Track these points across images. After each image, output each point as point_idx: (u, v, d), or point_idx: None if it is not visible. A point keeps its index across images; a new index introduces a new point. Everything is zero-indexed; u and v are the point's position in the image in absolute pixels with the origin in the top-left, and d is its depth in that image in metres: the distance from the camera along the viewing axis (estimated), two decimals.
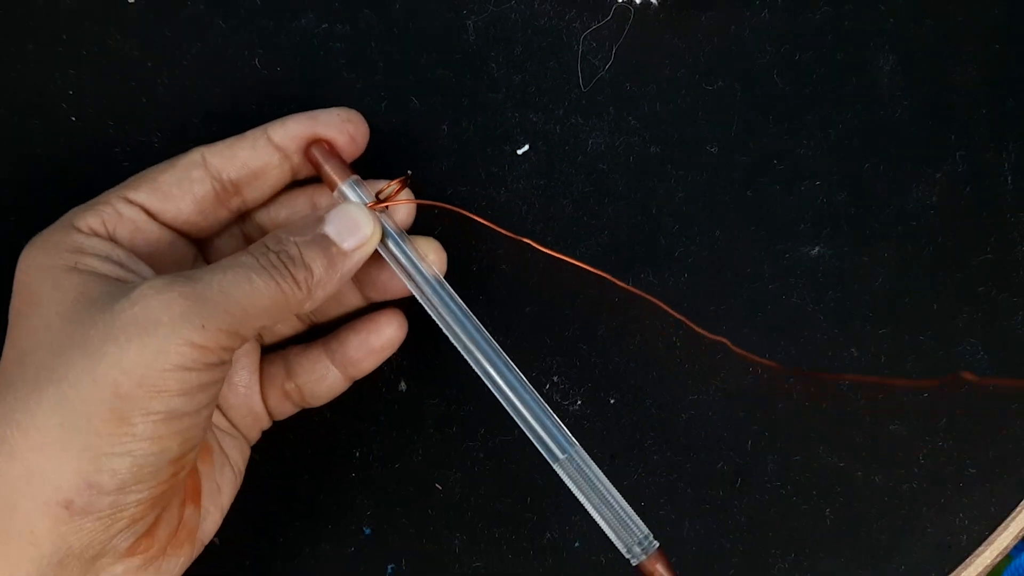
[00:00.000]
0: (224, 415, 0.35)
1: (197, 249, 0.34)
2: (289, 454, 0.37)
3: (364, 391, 0.36)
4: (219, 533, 0.36)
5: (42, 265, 0.30)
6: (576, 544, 0.38)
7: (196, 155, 0.32)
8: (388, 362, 0.37)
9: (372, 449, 0.37)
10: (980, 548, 0.38)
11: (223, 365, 0.29)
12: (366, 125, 0.34)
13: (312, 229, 0.31)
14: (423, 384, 0.37)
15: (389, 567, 0.37)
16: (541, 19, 0.37)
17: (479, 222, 0.34)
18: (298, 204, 0.35)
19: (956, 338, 0.38)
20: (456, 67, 0.37)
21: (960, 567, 0.38)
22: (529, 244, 0.35)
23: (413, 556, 0.37)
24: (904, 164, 0.38)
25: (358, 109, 0.37)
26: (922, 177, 0.38)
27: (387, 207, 0.33)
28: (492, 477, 0.37)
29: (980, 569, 0.38)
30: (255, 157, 0.33)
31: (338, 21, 0.37)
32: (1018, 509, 0.38)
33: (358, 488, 0.37)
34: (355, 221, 0.32)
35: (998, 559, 0.38)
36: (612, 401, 0.37)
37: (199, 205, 0.32)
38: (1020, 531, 0.38)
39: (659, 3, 0.37)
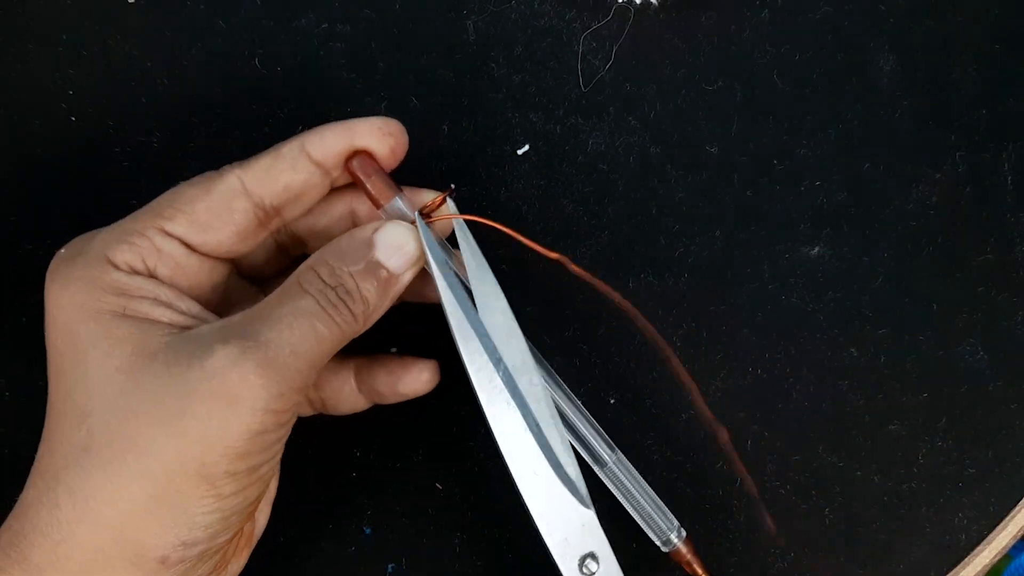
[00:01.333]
0: None
1: (231, 266, 0.33)
2: (289, 454, 0.37)
3: None
4: None
5: (84, 308, 0.28)
6: None
7: (234, 181, 0.30)
8: None
9: (372, 449, 0.37)
10: (979, 548, 0.38)
11: (296, 415, 0.30)
12: (406, 135, 0.32)
13: (363, 255, 0.30)
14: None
15: (389, 567, 0.37)
16: (541, 19, 0.37)
17: (521, 240, 0.33)
18: (336, 211, 0.34)
19: (956, 338, 0.38)
20: (456, 67, 0.37)
21: (959, 567, 0.38)
22: (564, 263, 0.33)
23: (413, 556, 0.37)
24: (904, 164, 0.38)
25: (358, 109, 0.37)
26: (922, 177, 0.38)
27: (432, 222, 0.32)
28: (492, 477, 0.37)
29: (979, 569, 0.38)
30: (297, 179, 0.31)
31: (338, 21, 0.37)
32: (1017, 509, 0.38)
33: (358, 488, 0.37)
34: (401, 243, 0.31)
35: (997, 558, 0.38)
36: (612, 401, 0.37)
37: (241, 235, 0.31)
38: (1019, 531, 0.38)
39: (659, 3, 0.37)
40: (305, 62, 0.37)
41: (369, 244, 0.30)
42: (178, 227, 0.30)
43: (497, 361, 0.32)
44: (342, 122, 0.32)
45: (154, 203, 0.30)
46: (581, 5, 0.37)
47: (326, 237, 0.34)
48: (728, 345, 0.38)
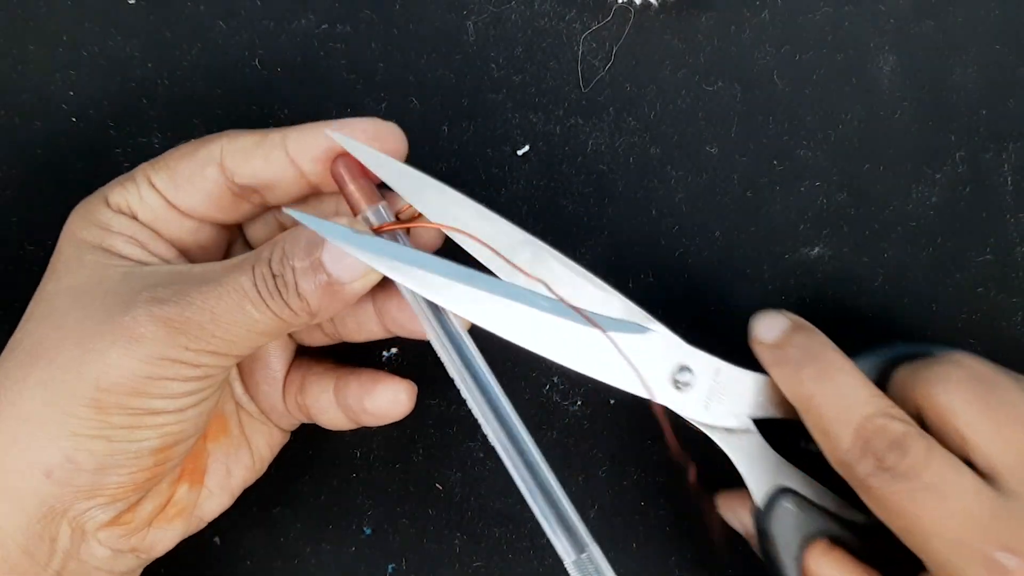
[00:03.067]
0: (254, 399, 0.35)
1: (236, 231, 0.34)
2: (289, 454, 0.37)
3: None
4: (219, 533, 0.37)
5: (73, 235, 0.31)
6: None
7: (216, 150, 0.31)
8: (388, 362, 0.37)
9: (372, 449, 0.38)
10: None
11: (213, 376, 0.30)
12: (399, 138, 0.31)
13: (311, 253, 0.29)
14: (423, 384, 0.37)
15: (389, 567, 0.37)
16: (541, 20, 0.37)
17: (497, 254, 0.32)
18: (325, 207, 0.33)
19: (956, 339, 0.38)
20: (456, 68, 0.37)
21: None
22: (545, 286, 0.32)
23: (413, 556, 0.37)
24: (904, 165, 0.38)
25: (358, 109, 0.37)
26: (922, 178, 0.38)
27: (407, 230, 0.31)
28: (492, 477, 0.37)
29: None
30: (266, 169, 0.31)
31: (338, 22, 0.37)
32: None
33: (358, 488, 0.37)
34: (349, 257, 0.29)
35: None
36: (612, 401, 0.37)
37: (213, 201, 0.31)
38: None
39: (659, 4, 0.37)
40: (305, 63, 0.37)
41: (318, 244, 0.29)
42: (159, 180, 0.31)
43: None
44: (333, 121, 0.31)
45: (162, 154, 0.32)
46: (581, 6, 0.37)
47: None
48: (728, 345, 0.38)
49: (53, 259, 0.31)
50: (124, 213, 0.31)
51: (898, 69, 0.38)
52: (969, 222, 0.38)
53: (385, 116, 0.37)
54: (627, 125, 0.37)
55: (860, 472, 0.29)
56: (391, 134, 0.31)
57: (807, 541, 0.32)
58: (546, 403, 0.37)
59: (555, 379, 0.37)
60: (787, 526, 0.32)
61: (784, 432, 0.33)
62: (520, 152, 0.37)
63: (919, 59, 0.38)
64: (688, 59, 0.38)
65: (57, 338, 0.29)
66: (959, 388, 0.31)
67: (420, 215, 0.31)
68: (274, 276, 0.29)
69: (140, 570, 0.32)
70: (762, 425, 0.33)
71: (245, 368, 0.35)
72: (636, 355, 0.31)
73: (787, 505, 0.32)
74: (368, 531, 0.37)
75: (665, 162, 0.38)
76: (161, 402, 0.29)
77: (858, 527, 0.33)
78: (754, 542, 0.34)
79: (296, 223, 0.29)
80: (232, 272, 0.29)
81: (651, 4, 0.37)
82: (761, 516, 0.32)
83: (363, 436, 0.37)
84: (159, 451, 0.29)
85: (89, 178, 0.36)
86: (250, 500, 0.37)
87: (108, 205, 0.31)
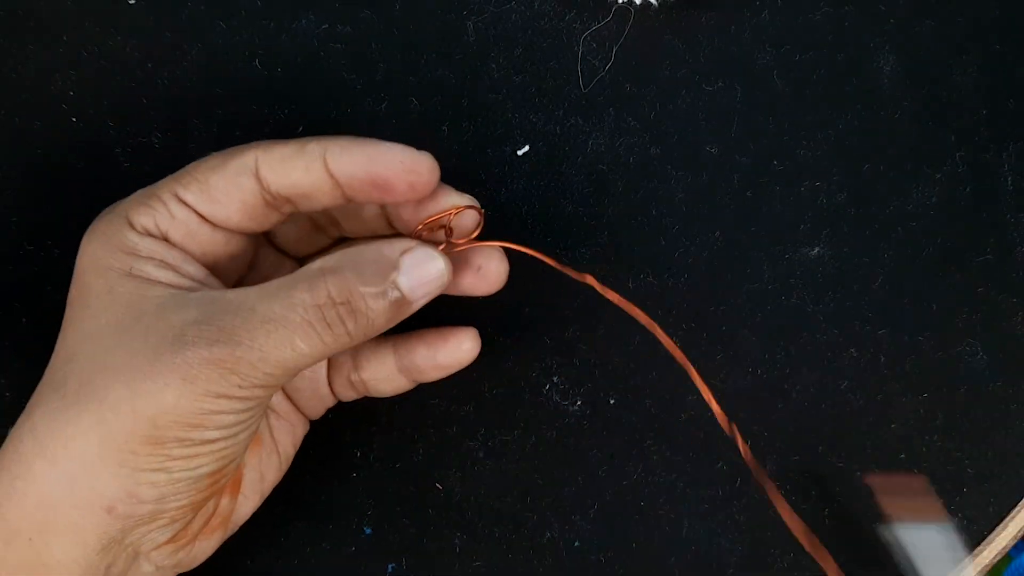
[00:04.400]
0: (288, 397, 0.35)
1: (262, 237, 0.34)
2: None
3: None
4: None
5: (98, 263, 0.30)
6: (576, 544, 0.38)
7: (250, 160, 0.31)
8: None
9: (372, 449, 0.38)
10: (979, 548, 0.38)
11: (262, 399, 0.30)
12: (435, 172, 0.31)
13: (385, 278, 0.30)
14: (423, 384, 0.37)
15: (389, 567, 0.37)
16: (541, 20, 0.37)
17: (551, 264, 0.33)
18: (366, 212, 0.34)
19: (955, 339, 0.38)
20: (456, 68, 0.37)
21: (959, 567, 0.38)
22: (593, 284, 0.34)
23: (413, 556, 0.37)
24: (904, 165, 0.38)
25: (358, 110, 0.37)
26: (922, 178, 0.38)
27: (460, 248, 0.32)
28: (492, 477, 0.37)
29: (979, 569, 0.38)
30: (306, 180, 0.31)
31: (338, 22, 0.37)
32: (1017, 509, 0.38)
33: (358, 488, 0.37)
34: (431, 272, 0.31)
35: (997, 559, 0.38)
36: (612, 401, 0.37)
37: (248, 212, 0.31)
38: (1019, 531, 0.38)
39: (659, 4, 0.37)
40: (305, 63, 0.37)
41: (394, 266, 0.30)
42: (190, 195, 0.31)
43: None
44: (372, 142, 0.31)
45: (182, 169, 0.31)
46: (581, 6, 0.37)
47: (359, 222, 0.34)
48: (728, 345, 0.38)
49: (79, 290, 0.30)
50: (152, 235, 0.31)
51: (898, 69, 0.38)
52: (969, 222, 0.38)
53: (385, 116, 0.37)
54: (627, 125, 0.37)
55: None
56: (422, 171, 0.31)
57: None
58: (546, 403, 0.37)
59: (555, 379, 0.37)
60: None
61: None
62: (520, 152, 0.37)
63: (919, 59, 0.38)
64: (688, 59, 0.38)
65: (106, 379, 0.28)
66: None
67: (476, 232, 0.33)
68: (337, 305, 0.29)
69: None
70: None
71: None
72: None
73: None
74: (368, 531, 0.37)
75: (665, 162, 0.38)
76: (215, 432, 0.29)
77: None
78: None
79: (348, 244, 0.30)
80: (278, 301, 0.29)
81: (651, 4, 0.37)
82: None
83: (363, 436, 0.37)
84: (215, 473, 0.30)
85: (89, 178, 0.37)
86: None
87: (133, 227, 0.31)
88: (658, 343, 0.37)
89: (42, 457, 0.28)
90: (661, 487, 0.38)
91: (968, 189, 0.38)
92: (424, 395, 0.37)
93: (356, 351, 0.35)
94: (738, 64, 0.38)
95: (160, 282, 0.30)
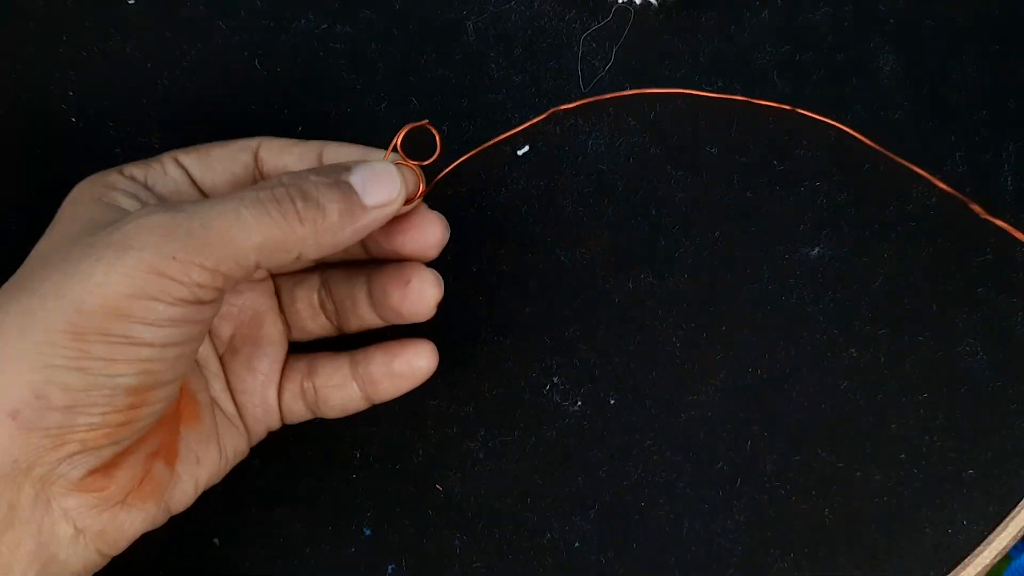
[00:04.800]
0: (235, 401, 0.34)
1: None
2: (289, 454, 0.37)
3: None
4: (219, 533, 0.37)
5: (76, 197, 0.31)
6: (577, 544, 0.38)
7: (255, 141, 0.33)
8: None
9: (372, 449, 0.38)
10: (979, 548, 0.38)
11: (201, 304, 0.28)
12: (420, 183, 0.33)
13: (336, 175, 0.30)
14: (423, 384, 0.37)
15: (389, 567, 0.37)
16: (541, 20, 0.37)
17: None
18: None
19: (955, 339, 0.38)
20: (456, 68, 0.37)
21: (959, 567, 0.38)
22: None
23: (413, 556, 0.37)
24: (904, 164, 0.38)
25: (358, 109, 0.37)
26: (922, 178, 0.38)
27: (419, 166, 0.32)
28: (492, 478, 0.37)
29: (979, 569, 0.38)
30: (296, 165, 0.33)
31: (338, 22, 0.37)
32: (1017, 509, 0.38)
33: (358, 488, 0.37)
34: (384, 178, 0.31)
35: (997, 559, 0.38)
36: (612, 401, 0.37)
37: (237, 185, 0.32)
38: (1019, 531, 0.38)
39: (659, 4, 0.37)
40: (305, 63, 0.37)
41: (345, 168, 0.30)
42: (188, 159, 0.32)
43: None
44: (364, 148, 0.33)
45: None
46: (581, 6, 0.37)
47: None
48: (728, 345, 0.38)
49: (53, 221, 0.31)
50: (137, 181, 0.32)
51: (898, 69, 0.38)
52: (969, 222, 0.38)
53: (385, 116, 0.37)
54: (627, 125, 0.37)
55: None
56: (411, 177, 0.32)
57: None
58: (546, 403, 0.37)
59: (555, 379, 0.37)
60: None
61: None
62: (520, 152, 0.37)
63: (919, 59, 0.38)
64: (688, 59, 0.38)
65: (45, 271, 0.28)
66: None
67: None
68: (287, 186, 0.29)
69: (97, 569, 0.30)
70: None
71: (230, 363, 0.35)
72: None
73: None
74: (368, 531, 0.37)
75: (665, 162, 0.38)
76: (142, 329, 0.27)
77: None
78: None
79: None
80: (234, 191, 0.29)
81: (651, 4, 0.37)
82: None
83: (363, 436, 0.37)
84: (135, 391, 0.27)
85: None
86: (250, 500, 0.37)
87: (121, 173, 0.32)
88: (658, 343, 0.37)
89: None
90: (661, 487, 0.38)
91: (967, 189, 0.38)
92: (424, 395, 0.37)
93: (313, 359, 0.35)
94: (738, 64, 0.38)
95: (124, 209, 0.30)
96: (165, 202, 0.30)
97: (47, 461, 0.27)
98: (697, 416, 0.38)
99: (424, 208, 0.33)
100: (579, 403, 0.37)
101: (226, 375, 0.34)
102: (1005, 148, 0.38)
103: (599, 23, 0.37)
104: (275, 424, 0.35)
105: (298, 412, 0.35)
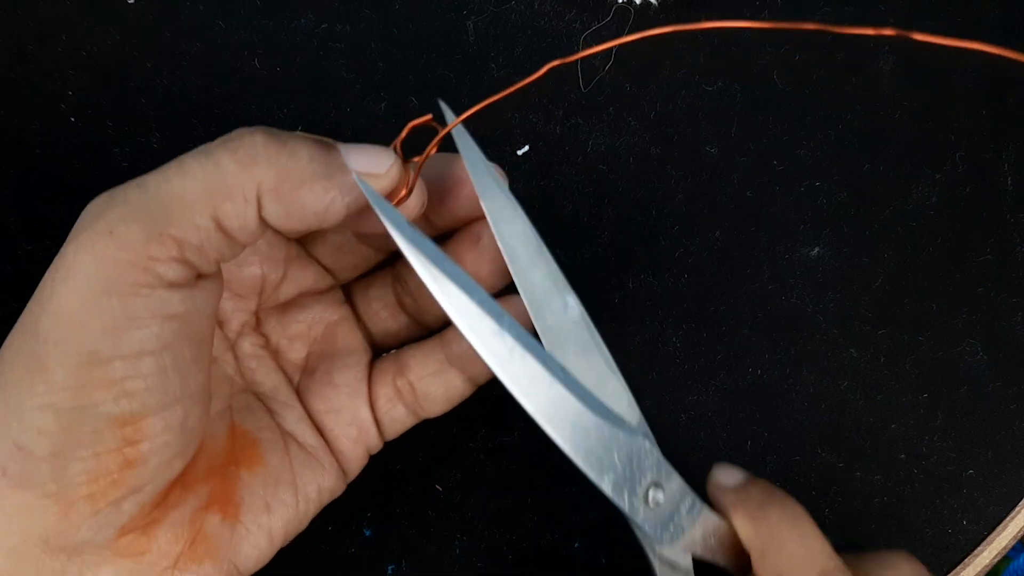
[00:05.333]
0: (320, 428, 0.31)
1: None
2: None
3: None
4: None
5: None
6: (576, 544, 0.38)
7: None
8: None
9: None
10: (978, 548, 0.38)
11: (169, 289, 0.24)
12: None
13: (321, 139, 0.26)
14: None
15: (389, 567, 0.37)
16: (541, 20, 0.37)
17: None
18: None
19: (955, 339, 0.38)
20: (456, 67, 0.37)
21: (958, 567, 0.38)
22: None
23: (413, 556, 0.37)
24: (904, 165, 0.38)
25: (358, 109, 0.37)
26: (922, 178, 0.38)
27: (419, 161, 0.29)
28: (492, 477, 0.37)
29: (978, 570, 0.38)
30: None
31: (338, 21, 0.37)
32: (1017, 510, 0.38)
33: (358, 488, 0.37)
34: (372, 150, 0.26)
35: (997, 559, 0.38)
36: None
37: None
38: (1018, 532, 0.38)
39: (659, 4, 0.37)
40: (305, 62, 0.37)
41: (333, 145, 0.26)
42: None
43: (500, 314, 0.27)
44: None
45: None
46: (581, 6, 0.37)
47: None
48: (728, 345, 0.38)
49: None
50: None
51: (898, 69, 0.38)
52: (969, 222, 0.38)
53: (385, 116, 0.37)
54: (627, 125, 0.37)
55: None
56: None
57: None
58: None
59: None
60: None
61: None
62: (520, 152, 0.37)
63: (919, 59, 0.38)
64: (688, 59, 0.38)
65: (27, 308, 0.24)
66: None
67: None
68: (249, 130, 0.25)
69: None
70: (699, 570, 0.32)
71: (307, 385, 0.31)
72: (619, 452, 0.29)
73: None
74: (368, 532, 0.37)
75: (665, 162, 0.38)
76: (104, 340, 0.23)
77: None
78: None
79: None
80: None
81: (651, 4, 0.37)
82: None
83: None
84: (122, 421, 0.23)
85: (88, 178, 0.37)
86: None
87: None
88: (658, 343, 0.37)
89: None
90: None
91: (968, 189, 0.38)
92: None
93: (399, 356, 0.32)
94: (738, 64, 0.38)
95: None
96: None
97: (62, 529, 0.23)
98: (697, 416, 0.38)
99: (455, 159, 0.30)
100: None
101: (304, 401, 0.31)
102: (1004, 148, 0.38)
103: (599, 23, 0.37)
104: (375, 443, 0.32)
105: (399, 419, 0.32)
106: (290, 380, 0.31)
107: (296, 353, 0.32)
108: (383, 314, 0.32)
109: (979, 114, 0.38)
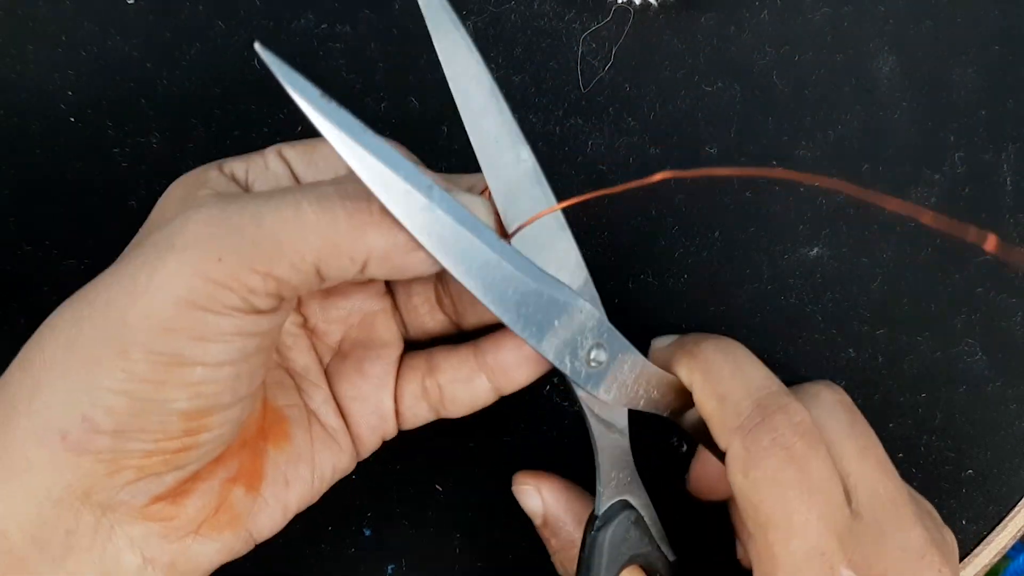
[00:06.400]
0: (342, 411, 0.32)
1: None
2: None
3: None
4: None
5: (169, 196, 0.29)
6: None
7: None
8: None
9: None
10: (978, 548, 0.38)
11: (258, 315, 0.25)
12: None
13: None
14: None
15: (389, 567, 0.37)
16: (541, 20, 0.37)
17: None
18: None
19: (954, 339, 0.38)
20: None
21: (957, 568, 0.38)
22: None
23: (413, 556, 0.37)
24: (904, 165, 0.38)
25: (358, 110, 0.37)
26: (921, 178, 0.38)
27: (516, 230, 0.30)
28: (492, 477, 0.37)
29: (978, 570, 0.38)
30: None
31: (338, 22, 0.37)
32: (1016, 509, 0.38)
33: (358, 488, 0.37)
34: (477, 211, 0.27)
35: (996, 559, 0.38)
36: None
37: None
38: (1018, 531, 0.38)
39: (658, 4, 0.37)
40: (304, 62, 0.37)
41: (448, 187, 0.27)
42: (293, 152, 0.30)
43: (428, 187, 0.26)
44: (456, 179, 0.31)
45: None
46: (580, 6, 0.37)
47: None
48: None
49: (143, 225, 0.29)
50: (236, 180, 0.29)
51: (898, 69, 0.38)
52: (969, 221, 0.38)
53: (385, 116, 0.37)
54: (627, 125, 0.37)
55: (750, 440, 0.28)
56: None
57: (627, 562, 0.32)
58: (546, 404, 0.38)
59: (555, 379, 0.37)
60: (617, 541, 0.32)
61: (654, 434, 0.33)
62: None
63: (919, 59, 0.38)
64: (688, 59, 0.38)
65: (104, 275, 0.25)
66: (833, 408, 0.31)
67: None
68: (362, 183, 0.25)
69: None
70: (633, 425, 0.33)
71: (339, 369, 0.32)
72: (559, 317, 0.29)
73: (625, 521, 0.32)
74: (368, 532, 0.37)
75: (665, 162, 0.38)
76: (192, 346, 0.24)
77: (669, 564, 0.33)
78: (553, 535, 0.34)
79: None
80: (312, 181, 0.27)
81: (651, 4, 0.37)
82: (596, 523, 0.32)
83: None
84: (190, 416, 0.25)
85: (88, 179, 0.37)
86: None
87: (221, 170, 0.29)
88: None
89: (20, 365, 0.25)
90: (660, 487, 0.38)
91: (968, 189, 0.38)
92: None
93: (432, 356, 0.32)
94: (738, 64, 0.38)
95: None
96: (224, 193, 0.28)
97: (104, 487, 0.25)
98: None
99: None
100: (578, 404, 0.37)
101: (332, 384, 0.32)
102: (1004, 149, 0.38)
103: (599, 23, 0.37)
104: (391, 431, 0.33)
105: (421, 414, 0.33)
106: (321, 361, 0.32)
107: (332, 337, 0.32)
108: (421, 310, 0.33)
109: (978, 115, 0.38)
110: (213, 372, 0.25)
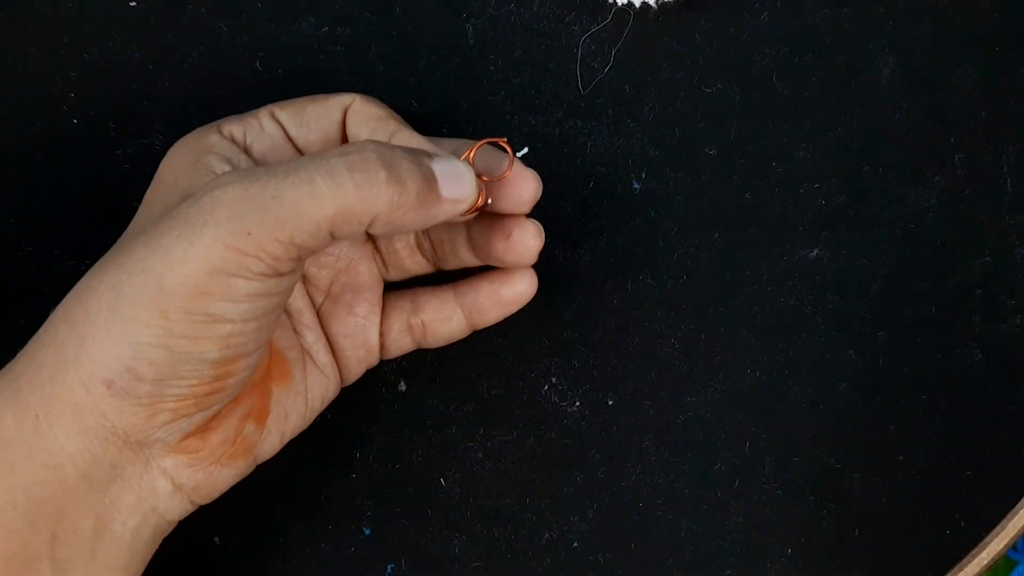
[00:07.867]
0: (332, 345, 0.35)
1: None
2: (289, 455, 0.37)
3: (364, 391, 0.37)
4: (219, 533, 0.37)
5: (173, 160, 0.32)
6: (575, 544, 0.38)
7: (348, 98, 0.34)
8: (388, 362, 0.37)
9: (372, 449, 0.38)
10: (977, 549, 0.38)
11: (280, 277, 0.29)
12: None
13: (418, 158, 0.30)
14: (423, 384, 0.38)
15: (389, 567, 0.37)
16: (540, 22, 0.37)
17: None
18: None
19: (954, 340, 0.38)
20: (456, 70, 0.37)
21: (956, 568, 0.38)
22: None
23: (413, 556, 0.37)
24: (903, 167, 0.38)
25: None
26: (921, 180, 0.38)
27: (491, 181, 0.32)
28: (491, 478, 0.38)
29: (977, 571, 0.38)
30: (376, 135, 0.33)
31: (338, 24, 0.37)
32: (1015, 511, 0.38)
33: (358, 488, 0.38)
34: (463, 175, 0.31)
35: (995, 560, 0.38)
36: (610, 402, 0.38)
37: (328, 143, 0.33)
38: (1017, 533, 0.38)
39: (658, 6, 0.37)
40: (306, 65, 0.37)
41: (427, 155, 0.31)
42: (284, 114, 0.34)
43: None
44: (432, 142, 0.33)
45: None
46: (580, 8, 0.37)
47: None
48: (726, 347, 0.38)
49: (151, 187, 0.32)
50: (235, 141, 0.33)
51: (898, 70, 0.38)
52: (969, 223, 0.38)
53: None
54: (626, 127, 0.37)
55: None
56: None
57: None
58: (544, 403, 0.38)
59: (553, 379, 0.38)
60: None
61: None
62: (519, 154, 0.37)
63: (919, 60, 0.38)
64: (687, 61, 0.38)
65: (134, 242, 0.29)
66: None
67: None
68: (373, 154, 0.29)
69: (187, 514, 0.32)
70: None
71: (330, 309, 0.35)
72: None
73: None
74: (368, 531, 0.38)
75: (664, 164, 0.38)
76: (223, 305, 0.28)
77: None
78: None
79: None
80: (318, 151, 0.30)
81: (650, 6, 0.37)
82: None
83: (362, 436, 0.38)
84: (220, 364, 0.29)
85: (89, 180, 0.37)
86: (250, 500, 0.37)
87: (220, 132, 0.33)
88: (656, 344, 0.38)
89: (64, 321, 0.29)
90: (659, 488, 0.38)
91: (967, 192, 0.38)
92: (422, 395, 0.38)
93: (416, 296, 0.36)
94: (737, 66, 0.38)
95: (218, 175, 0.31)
96: (242, 170, 0.31)
97: (142, 428, 0.29)
98: (695, 417, 0.38)
99: (519, 165, 0.33)
100: (577, 404, 0.38)
101: (324, 323, 0.35)
102: (1004, 150, 0.38)
103: (598, 25, 0.37)
104: (375, 361, 0.36)
105: (404, 347, 0.36)
106: (313, 303, 0.35)
107: (322, 281, 0.35)
108: (403, 252, 0.36)
109: (978, 116, 0.38)
110: (241, 327, 0.29)
